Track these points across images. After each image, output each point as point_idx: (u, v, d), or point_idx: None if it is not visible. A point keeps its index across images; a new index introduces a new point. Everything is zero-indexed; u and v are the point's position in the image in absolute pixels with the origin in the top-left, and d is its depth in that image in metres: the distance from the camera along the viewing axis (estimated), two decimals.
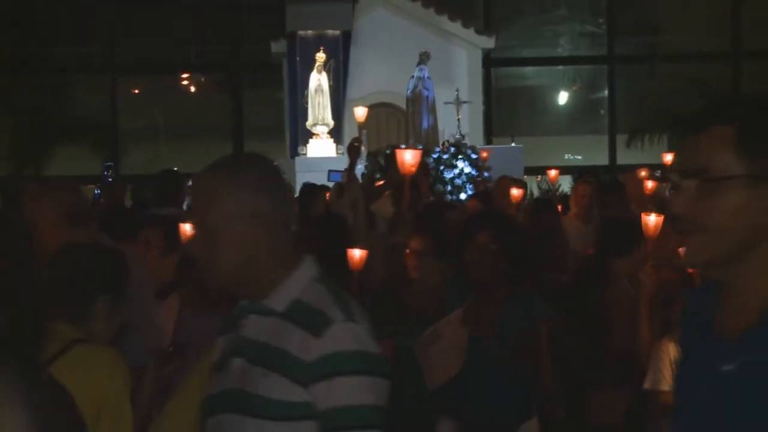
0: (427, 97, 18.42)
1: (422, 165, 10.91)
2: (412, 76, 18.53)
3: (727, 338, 2.30)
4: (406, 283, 6.42)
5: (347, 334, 2.86)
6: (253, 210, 2.92)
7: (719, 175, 2.26)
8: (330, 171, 12.06)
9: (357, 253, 6.54)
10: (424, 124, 18.35)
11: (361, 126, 12.84)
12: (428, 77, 18.48)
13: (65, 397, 3.02)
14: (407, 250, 6.43)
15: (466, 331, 5.51)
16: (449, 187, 16.53)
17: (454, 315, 5.59)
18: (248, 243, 2.92)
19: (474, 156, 16.91)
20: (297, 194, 14.12)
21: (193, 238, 2.95)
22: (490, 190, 12.00)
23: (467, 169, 16.60)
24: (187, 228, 6.66)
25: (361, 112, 10.58)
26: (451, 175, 17.04)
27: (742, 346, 2.25)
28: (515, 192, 10.68)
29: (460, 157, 16.97)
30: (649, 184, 10.87)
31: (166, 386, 4.39)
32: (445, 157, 17.22)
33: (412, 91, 18.43)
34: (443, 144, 17.62)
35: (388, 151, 17.47)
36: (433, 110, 18.48)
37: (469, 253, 5.60)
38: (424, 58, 18.45)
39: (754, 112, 2.31)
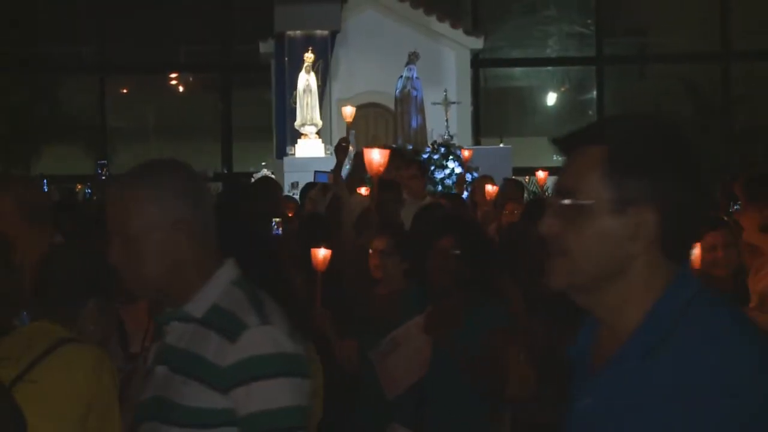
0: (416, 97, 18.45)
1: (417, 165, 10.89)
2: (401, 76, 18.56)
3: (593, 371, 2.22)
4: (371, 284, 6.39)
5: (263, 338, 2.83)
6: (175, 217, 2.88)
7: (584, 199, 2.14)
8: (316, 172, 12.05)
9: (320, 253, 6.39)
10: (413, 124, 18.38)
11: (349, 125, 12.85)
12: (417, 77, 18.50)
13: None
14: (370, 250, 6.35)
15: (427, 339, 5.33)
16: (440, 188, 16.54)
17: (414, 322, 5.41)
18: (171, 250, 2.89)
19: (465, 154, 16.98)
20: (288, 193, 14.24)
21: (112, 248, 2.89)
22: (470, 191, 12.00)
23: (458, 170, 16.60)
24: None
25: (348, 111, 10.53)
26: (442, 176, 17.05)
27: (598, 381, 2.17)
28: (489, 188, 10.64)
29: (450, 157, 16.98)
30: None
31: None
32: (435, 157, 17.22)
33: (401, 91, 18.46)
34: (433, 144, 17.62)
35: None
36: (421, 110, 18.52)
37: (430, 257, 5.41)
38: (413, 58, 18.46)
39: (628, 135, 2.16)
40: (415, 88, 18.42)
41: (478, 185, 11.62)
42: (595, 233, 2.13)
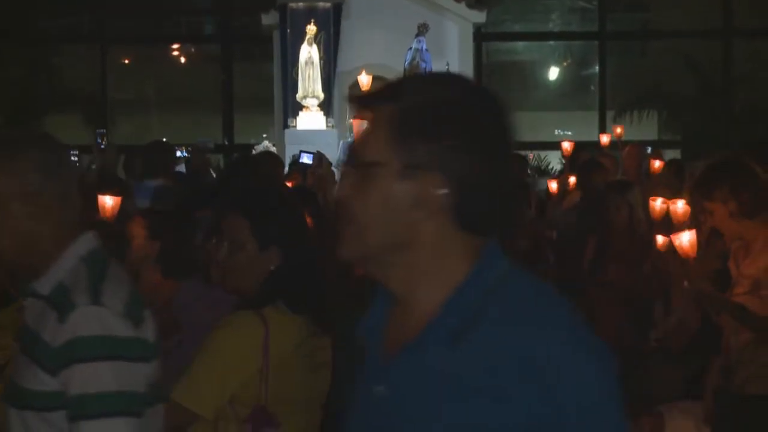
0: (425, 69, 18.34)
1: None
2: (410, 48, 18.45)
3: (387, 355, 2.04)
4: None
5: (89, 319, 2.75)
6: (32, 190, 2.84)
7: (369, 161, 1.98)
8: (301, 151, 11.81)
9: None
10: None
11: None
12: (426, 49, 18.39)
13: None
14: None
15: None
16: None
17: None
18: (26, 224, 2.84)
19: None
20: (287, 168, 14.20)
21: None
22: None
23: None
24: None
25: (365, 81, 10.20)
26: None
27: (395, 367, 2.00)
28: None
29: None
30: (656, 163, 10.82)
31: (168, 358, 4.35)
32: None
33: (410, 63, 18.35)
34: None
35: None
36: None
37: None
38: (422, 30, 18.36)
39: (421, 96, 1.99)
40: (424, 60, 18.32)
41: None
42: (380, 199, 1.96)
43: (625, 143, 12.63)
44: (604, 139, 12.65)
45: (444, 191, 1.94)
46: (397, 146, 1.96)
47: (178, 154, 16.47)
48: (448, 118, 1.96)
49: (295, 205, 4.05)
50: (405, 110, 1.97)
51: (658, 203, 7.01)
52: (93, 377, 2.71)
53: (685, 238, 5.35)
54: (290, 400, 3.76)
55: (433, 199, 1.95)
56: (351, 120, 18.58)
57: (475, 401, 1.87)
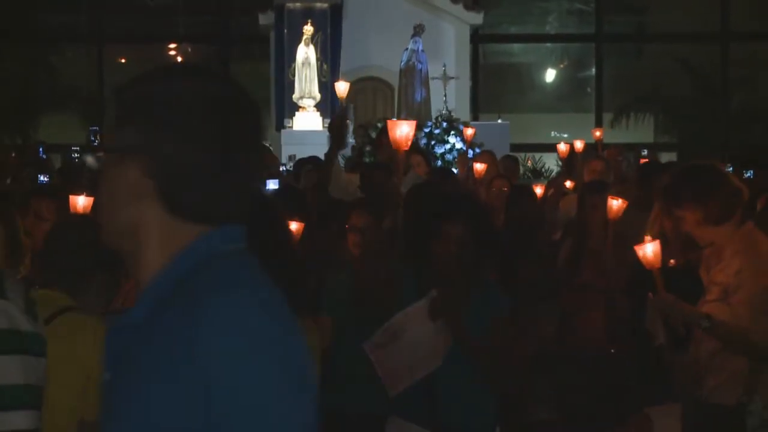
0: (421, 70, 18.33)
1: (423, 154, 10.70)
2: (406, 49, 18.43)
3: None
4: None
5: None
6: None
7: (101, 148, 2.02)
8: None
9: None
10: (417, 98, 18.25)
11: (343, 101, 12.45)
12: (422, 50, 18.37)
13: None
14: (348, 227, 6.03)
15: (434, 328, 4.81)
16: (440, 163, 16.45)
17: (415, 309, 4.86)
18: None
19: (469, 132, 16.83)
20: (285, 166, 14.19)
21: None
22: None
23: (459, 145, 16.52)
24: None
25: (342, 87, 10.25)
26: (443, 150, 16.96)
27: (108, 352, 2.00)
28: (478, 167, 10.22)
29: (452, 132, 16.89)
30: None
31: None
32: (436, 131, 17.14)
33: (406, 64, 18.32)
34: (436, 119, 17.54)
35: (379, 124, 17.46)
36: (426, 83, 18.38)
37: (438, 245, 4.89)
38: (418, 30, 18.34)
39: (133, 82, 2.01)
40: (420, 61, 18.29)
41: (460, 160, 11.33)
42: (104, 185, 2.00)
43: (606, 146, 12.57)
44: (578, 144, 12.59)
45: (151, 177, 1.94)
46: (113, 132, 1.98)
47: None
48: (161, 106, 1.95)
49: (265, 203, 4.07)
50: (123, 98, 1.98)
51: (614, 204, 7.02)
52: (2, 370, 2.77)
53: (649, 249, 5.36)
54: None
55: (142, 184, 1.94)
56: (346, 123, 18.58)
57: (149, 384, 1.86)
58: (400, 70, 18.46)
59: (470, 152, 15.05)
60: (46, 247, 3.99)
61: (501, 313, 4.94)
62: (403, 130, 6.96)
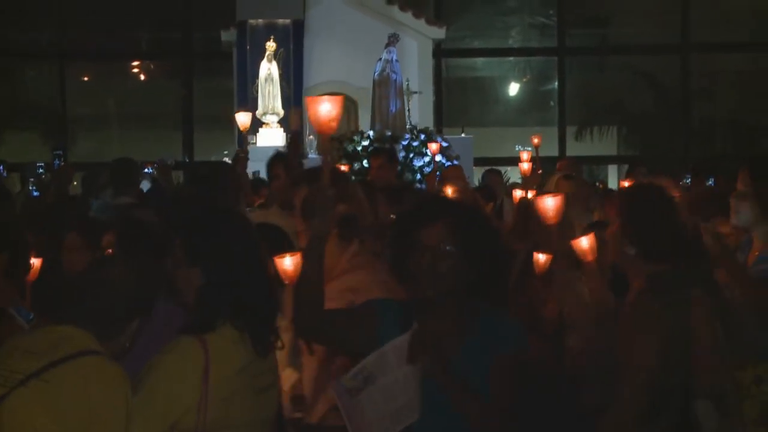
0: (395, 80, 18.20)
1: (386, 154, 10.47)
2: (380, 59, 18.33)
3: None
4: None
5: None
6: None
7: None
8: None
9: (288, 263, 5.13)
10: (392, 109, 18.11)
11: (245, 131, 11.75)
12: (396, 60, 18.25)
13: None
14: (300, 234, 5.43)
15: (415, 371, 3.84)
16: (418, 176, 16.37)
17: (393, 346, 3.88)
18: None
19: (445, 144, 16.75)
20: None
21: None
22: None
23: (438, 158, 16.42)
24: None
25: (243, 119, 9.67)
26: (421, 163, 16.89)
27: None
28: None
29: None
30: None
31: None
32: (414, 144, 17.07)
33: (380, 74, 18.19)
34: (412, 130, 17.47)
35: (355, 137, 17.42)
36: (400, 94, 18.20)
37: (414, 256, 3.87)
38: (392, 41, 18.24)
39: None
40: (394, 72, 18.13)
41: (429, 178, 11.05)
42: None
43: (558, 158, 12.40)
44: (524, 155, 12.54)
45: None
46: None
47: (145, 170, 16.59)
48: None
49: (234, 222, 4.00)
50: None
51: (518, 193, 6.94)
52: None
53: (584, 243, 5.37)
54: (233, 425, 3.78)
55: None
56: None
57: None
58: (374, 81, 18.33)
59: (447, 164, 15.06)
60: (84, 288, 3.87)
61: (507, 351, 3.85)
62: (324, 108, 4.54)
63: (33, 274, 5.71)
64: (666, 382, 4.47)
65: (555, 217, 5.50)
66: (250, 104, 19.31)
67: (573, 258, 5.86)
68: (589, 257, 5.53)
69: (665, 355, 4.46)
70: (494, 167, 13.46)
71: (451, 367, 3.77)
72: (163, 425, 3.67)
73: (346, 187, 5.73)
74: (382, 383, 3.86)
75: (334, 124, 4.12)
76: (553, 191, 8.69)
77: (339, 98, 4.15)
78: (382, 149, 11.45)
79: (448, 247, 3.83)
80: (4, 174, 15.90)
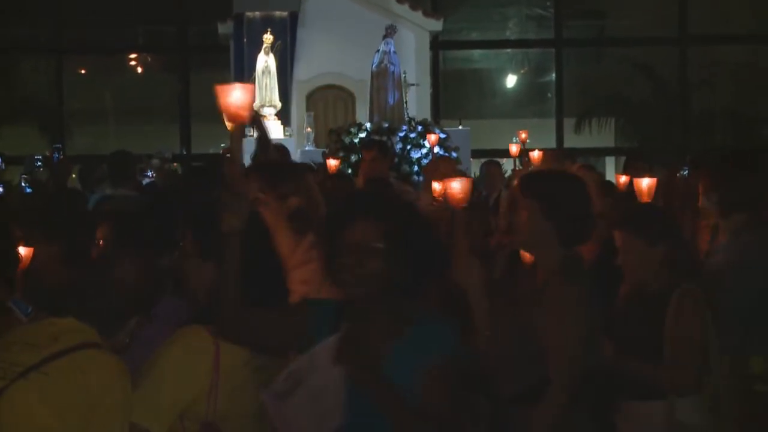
0: (393, 72, 18.12)
1: (378, 146, 10.39)
2: (378, 50, 18.26)
3: None
4: None
5: None
6: None
7: None
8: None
9: None
10: (390, 100, 18.03)
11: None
12: (394, 51, 18.19)
13: None
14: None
15: (341, 375, 3.65)
16: (416, 167, 16.31)
17: (322, 349, 3.70)
18: None
19: (443, 136, 16.71)
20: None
21: None
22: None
23: (436, 149, 16.34)
24: None
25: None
26: (418, 155, 16.83)
27: None
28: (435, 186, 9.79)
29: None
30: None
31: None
32: (412, 135, 17.02)
33: (378, 66, 18.11)
34: (410, 122, 17.42)
35: (353, 129, 17.39)
36: (398, 86, 18.11)
37: (340, 254, 3.69)
38: (390, 32, 18.18)
39: None
40: (392, 63, 18.06)
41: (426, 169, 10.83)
42: None
43: (530, 149, 12.22)
44: (513, 149, 12.48)
45: None
46: None
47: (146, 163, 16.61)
48: None
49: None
50: None
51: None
52: None
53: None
54: (241, 415, 3.77)
55: None
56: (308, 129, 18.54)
57: None
58: (372, 73, 18.26)
59: (453, 154, 14.98)
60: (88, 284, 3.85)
61: (437, 356, 3.63)
62: (236, 96, 4.00)
63: (23, 264, 5.69)
64: (587, 366, 4.42)
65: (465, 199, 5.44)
66: None
67: None
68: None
69: (588, 338, 4.41)
70: (493, 158, 13.37)
71: (377, 371, 3.59)
72: (172, 413, 3.66)
73: (299, 180, 5.54)
74: (311, 386, 3.67)
75: (244, 113, 3.87)
76: None
77: (250, 86, 3.94)
78: (374, 141, 11.37)
79: (374, 246, 3.62)
80: (3, 167, 15.89)
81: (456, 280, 4.93)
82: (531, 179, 4.68)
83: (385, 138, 15.51)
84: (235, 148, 3.89)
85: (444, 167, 9.90)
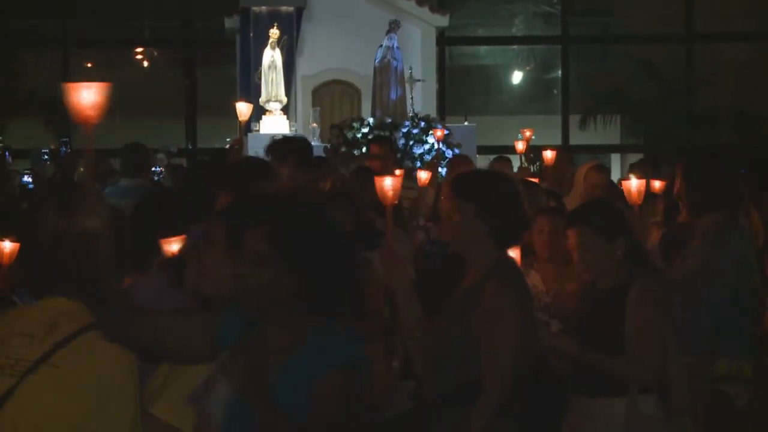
0: (396, 67, 18.04)
1: (386, 141, 10.37)
2: (381, 45, 18.20)
3: None
4: None
5: None
6: None
7: None
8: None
9: None
10: (392, 96, 17.96)
11: (242, 124, 11.47)
12: (397, 47, 18.12)
13: None
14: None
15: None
16: (418, 164, 16.27)
17: (224, 357, 3.48)
18: None
19: (446, 132, 16.68)
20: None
21: None
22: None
23: (437, 145, 16.26)
24: None
25: (244, 108, 9.30)
26: (421, 151, 16.78)
27: None
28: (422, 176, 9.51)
29: (431, 132, 16.61)
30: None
31: None
32: (414, 131, 16.97)
33: (380, 61, 18.04)
34: (413, 118, 17.38)
35: (355, 124, 17.37)
36: (401, 81, 18.04)
37: (236, 263, 3.44)
38: (393, 27, 18.11)
39: None
40: (395, 58, 17.98)
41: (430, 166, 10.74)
42: None
43: (535, 147, 12.15)
44: (519, 146, 12.39)
45: None
46: None
47: (157, 156, 16.65)
48: None
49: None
50: None
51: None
52: None
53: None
54: None
55: None
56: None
57: None
58: (375, 68, 18.23)
59: (448, 152, 14.98)
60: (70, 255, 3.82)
61: (334, 371, 3.32)
62: (83, 96, 3.65)
63: (7, 259, 5.70)
64: (522, 367, 4.37)
65: None
66: (253, 92, 19.30)
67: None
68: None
69: (523, 339, 4.35)
70: (503, 155, 13.30)
71: (262, 389, 3.32)
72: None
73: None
74: (217, 392, 3.47)
75: (94, 113, 3.61)
76: (582, 182, 8.66)
77: (103, 85, 3.68)
78: (381, 137, 11.41)
79: (264, 255, 3.34)
80: (11, 161, 15.91)
81: (385, 280, 4.83)
82: (463, 181, 4.63)
83: (387, 133, 15.49)
84: (90, 146, 3.73)
85: (457, 166, 9.86)
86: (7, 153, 16.11)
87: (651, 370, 4.84)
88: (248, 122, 19.10)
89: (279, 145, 6.37)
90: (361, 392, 3.40)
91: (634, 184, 6.59)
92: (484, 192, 4.49)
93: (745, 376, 5.32)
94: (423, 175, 9.50)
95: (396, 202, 5.51)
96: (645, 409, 4.82)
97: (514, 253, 5.02)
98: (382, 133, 15.21)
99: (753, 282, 5.53)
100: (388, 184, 5.28)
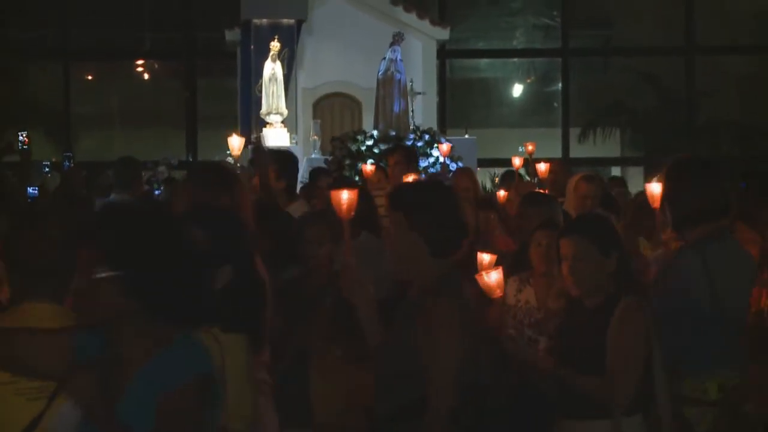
0: (399, 80, 18.00)
1: (402, 151, 10.27)
2: (384, 58, 18.17)
3: None
4: None
5: None
6: None
7: None
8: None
9: None
10: (395, 109, 17.90)
11: (237, 159, 11.40)
12: (401, 59, 18.12)
13: None
14: None
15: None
16: (423, 177, 16.21)
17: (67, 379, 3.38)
18: None
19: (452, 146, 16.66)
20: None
21: None
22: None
23: (442, 159, 16.25)
24: None
25: (236, 143, 9.27)
26: (426, 164, 16.77)
27: None
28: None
29: (435, 145, 16.62)
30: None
31: None
32: (419, 144, 16.97)
33: (384, 74, 18.00)
34: (416, 131, 17.38)
35: (359, 137, 17.37)
36: (404, 94, 17.96)
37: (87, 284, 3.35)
38: (397, 39, 18.11)
39: None
40: (398, 71, 17.94)
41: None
42: None
43: (536, 160, 12.14)
44: (516, 161, 12.34)
45: None
46: None
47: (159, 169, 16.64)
48: None
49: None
50: None
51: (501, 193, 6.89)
52: None
53: (493, 277, 5.31)
54: (246, 417, 3.79)
55: None
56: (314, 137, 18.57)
57: None
58: (378, 80, 18.20)
59: (452, 165, 14.96)
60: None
61: (180, 385, 3.22)
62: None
63: None
64: (469, 381, 4.21)
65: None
66: (254, 104, 19.33)
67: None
68: (498, 294, 5.49)
69: (469, 354, 4.20)
70: (510, 168, 13.24)
71: (109, 404, 3.23)
72: None
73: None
74: (67, 412, 3.35)
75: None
76: (572, 193, 8.56)
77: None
78: (400, 146, 11.28)
79: (100, 275, 3.23)
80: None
81: (346, 296, 4.74)
82: (397, 191, 4.48)
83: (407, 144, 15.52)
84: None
85: (459, 180, 9.77)
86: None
87: (623, 393, 4.73)
88: (250, 134, 19.24)
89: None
90: (213, 409, 3.31)
91: (656, 189, 6.36)
92: (416, 203, 4.31)
93: (708, 398, 5.09)
94: None
95: (352, 214, 5.40)
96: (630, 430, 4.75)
97: (496, 272, 5.00)
98: (398, 143, 15.17)
99: (724, 296, 5.15)
100: (344, 197, 5.20)
